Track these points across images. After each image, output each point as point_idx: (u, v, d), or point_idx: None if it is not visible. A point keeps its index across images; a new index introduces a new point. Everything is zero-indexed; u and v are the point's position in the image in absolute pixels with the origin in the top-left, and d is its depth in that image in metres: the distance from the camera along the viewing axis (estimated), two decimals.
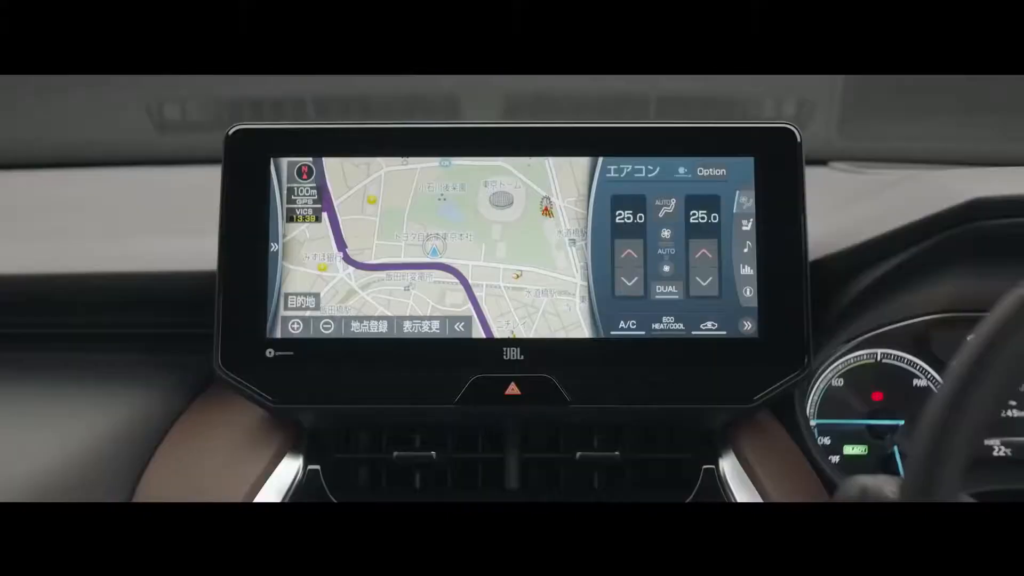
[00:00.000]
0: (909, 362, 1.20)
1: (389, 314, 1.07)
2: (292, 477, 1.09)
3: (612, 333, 1.06)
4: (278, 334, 1.06)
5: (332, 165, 1.08)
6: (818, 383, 1.20)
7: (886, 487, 0.87)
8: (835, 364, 1.21)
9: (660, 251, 1.07)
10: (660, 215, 1.08)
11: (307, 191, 1.08)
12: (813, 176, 1.08)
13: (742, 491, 1.08)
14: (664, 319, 1.07)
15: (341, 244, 1.07)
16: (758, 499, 1.08)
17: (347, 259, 1.07)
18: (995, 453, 1.21)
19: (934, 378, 1.20)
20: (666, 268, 1.07)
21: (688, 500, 1.08)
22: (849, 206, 1.22)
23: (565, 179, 1.08)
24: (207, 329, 1.07)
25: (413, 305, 1.07)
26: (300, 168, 1.08)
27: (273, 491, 1.08)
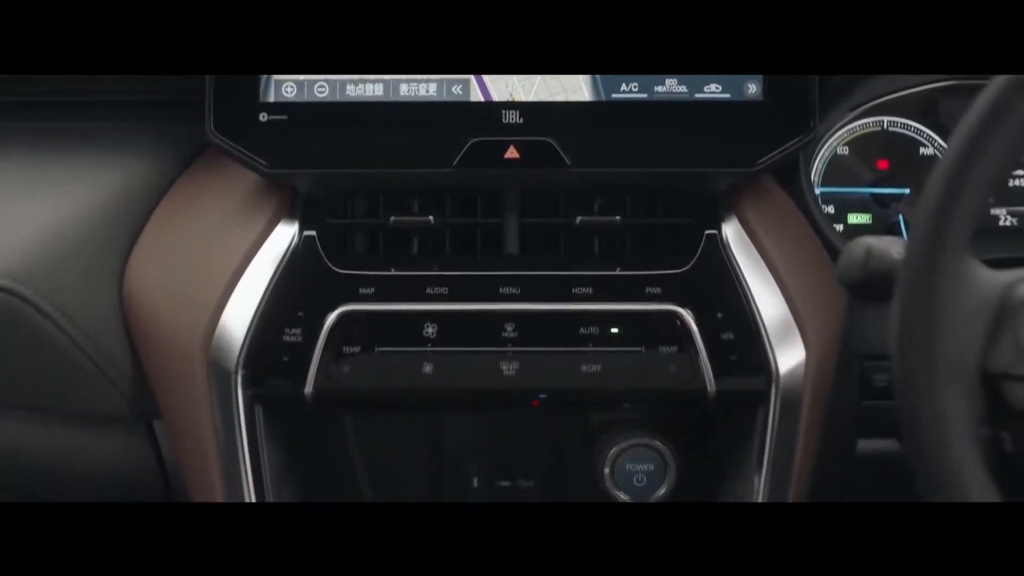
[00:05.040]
0: (916, 130, 1.19)
1: (385, 76, 1.04)
2: (288, 243, 1.08)
3: (613, 96, 1.05)
4: (271, 98, 1.05)
5: None
6: (823, 151, 1.18)
7: (892, 248, 0.86)
8: (840, 132, 1.19)
9: None
10: None
11: None
12: None
13: (744, 256, 1.07)
14: (667, 81, 1.05)
15: None
16: (760, 264, 1.07)
17: None
18: (1001, 223, 1.20)
19: (941, 146, 1.18)
20: None
21: (689, 265, 1.07)
22: None
23: None
24: (201, 95, 1.05)
25: None
26: None
27: (269, 257, 1.07)
